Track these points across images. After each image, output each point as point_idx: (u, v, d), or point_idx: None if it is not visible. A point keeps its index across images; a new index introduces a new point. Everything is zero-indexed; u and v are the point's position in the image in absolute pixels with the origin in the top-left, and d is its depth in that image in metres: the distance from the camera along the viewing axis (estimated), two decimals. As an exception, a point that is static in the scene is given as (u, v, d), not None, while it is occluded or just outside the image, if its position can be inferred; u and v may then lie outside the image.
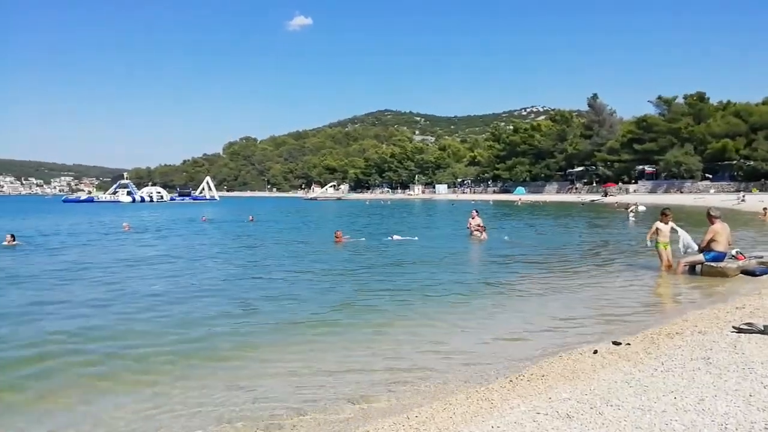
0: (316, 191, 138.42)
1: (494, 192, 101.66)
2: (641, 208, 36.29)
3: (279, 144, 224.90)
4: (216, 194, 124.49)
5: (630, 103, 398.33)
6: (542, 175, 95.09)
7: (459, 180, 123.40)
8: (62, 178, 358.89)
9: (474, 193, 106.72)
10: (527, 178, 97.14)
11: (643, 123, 75.78)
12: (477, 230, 19.70)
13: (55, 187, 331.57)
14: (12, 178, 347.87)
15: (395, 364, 5.75)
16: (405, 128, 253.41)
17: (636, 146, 74.93)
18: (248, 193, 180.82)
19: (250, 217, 36.54)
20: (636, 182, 75.40)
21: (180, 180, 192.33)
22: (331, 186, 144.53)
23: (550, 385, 4.45)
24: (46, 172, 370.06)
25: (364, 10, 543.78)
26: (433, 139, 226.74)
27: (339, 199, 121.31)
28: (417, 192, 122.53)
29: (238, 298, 9.56)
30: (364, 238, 20.72)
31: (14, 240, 19.84)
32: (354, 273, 12.37)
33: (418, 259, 14.64)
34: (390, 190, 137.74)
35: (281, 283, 11.21)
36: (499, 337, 6.71)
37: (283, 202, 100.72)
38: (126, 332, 7.26)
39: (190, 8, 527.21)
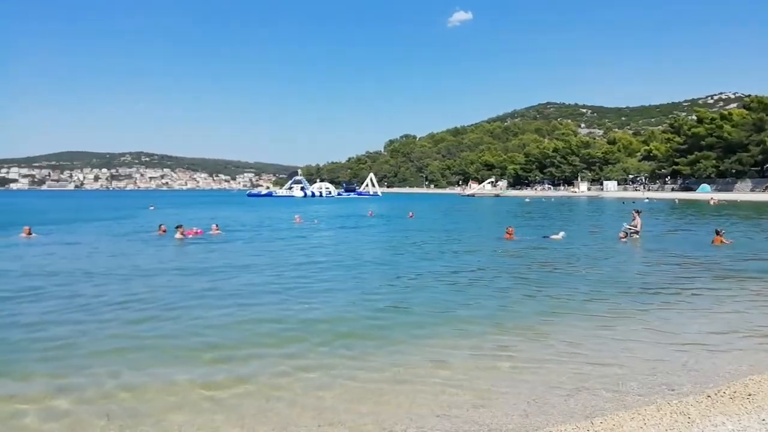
0: (474, 188, 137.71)
1: (672, 189, 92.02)
2: None
3: (437, 141, 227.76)
4: (378, 190, 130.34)
5: None
6: (732, 171, 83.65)
7: (631, 176, 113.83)
8: (245, 174, 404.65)
9: (649, 190, 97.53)
10: (712, 174, 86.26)
11: None
12: (630, 231, 18.83)
13: (239, 182, 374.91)
14: (206, 175, 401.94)
15: (572, 368, 5.70)
16: (569, 121, 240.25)
17: None
18: (407, 189, 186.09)
19: (410, 214, 37.66)
20: None
21: (345, 176, 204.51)
22: (488, 182, 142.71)
23: (760, 405, 4.18)
24: (232, 169, 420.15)
25: (527, 2, 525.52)
26: (601, 132, 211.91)
27: (497, 195, 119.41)
28: (582, 189, 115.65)
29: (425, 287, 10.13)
30: (530, 237, 20.70)
31: (218, 229, 23.08)
32: (520, 272, 12.27)
33: (590, 257, 14.13)
34: (552, 187, 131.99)
35: (465, 278, 11.48)
36: (688, 348, 6.34)
37: (441, 198, 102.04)
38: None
39: (354, 8, 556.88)
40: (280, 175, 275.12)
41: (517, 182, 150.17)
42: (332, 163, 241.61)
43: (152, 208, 54.95)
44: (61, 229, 26.81)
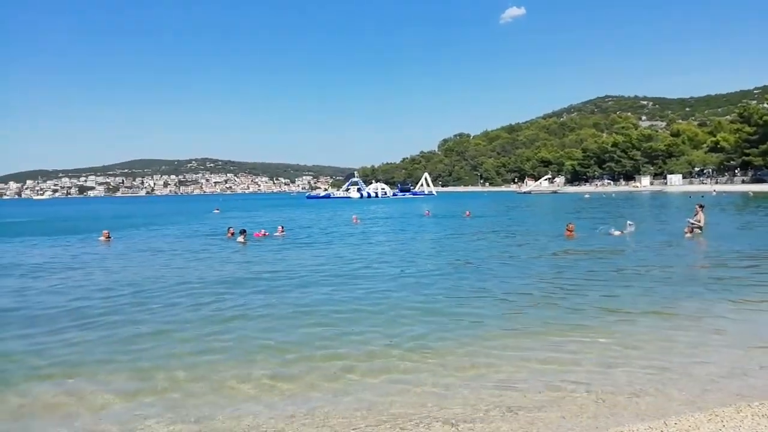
0: (530, 185, 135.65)
1: (743, 182, 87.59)
2: None
3: (492, 138, 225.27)
4: (433, 189, 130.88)
5: None
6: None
7: (696, 169, 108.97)
8: (304, 177, 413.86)
9: (717, 183, 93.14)
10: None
11: None
12: (693, 226, 18.46)
13: (298, 185, 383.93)
14: (266, 178, 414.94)
15: (641, 369, 5.65)
16: (629, 114, 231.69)
17: None
18: (462, 188, 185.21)
19: (467, 213, 37.65)
20: None
21: (400, 177, 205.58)
22: (545, 179, 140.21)
23: None
24: (291, 172, 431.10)
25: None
26: (664, 124, 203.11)
27: (554, 192, 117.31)
28: (644, 183, 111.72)
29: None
30: (600, 231, 20.76)
31: (283, 230, 24.64)
32: (581, 272, 11.96)
33: (655, 254, 13.62)
34: (611, 182, 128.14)
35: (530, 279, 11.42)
36: (765, 349, 6.11)
37: (497, 196, 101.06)
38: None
39: (406, 8, 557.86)
40: (337, 177, 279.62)
41: (574, 178, 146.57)
42: (387, 163, 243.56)
43: (217, 211, 57.83)
44: (136, 233, 28.37)
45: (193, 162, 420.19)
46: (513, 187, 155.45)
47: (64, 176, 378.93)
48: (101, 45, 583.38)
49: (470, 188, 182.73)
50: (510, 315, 8.31)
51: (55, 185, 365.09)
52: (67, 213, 65.20)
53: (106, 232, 23.73)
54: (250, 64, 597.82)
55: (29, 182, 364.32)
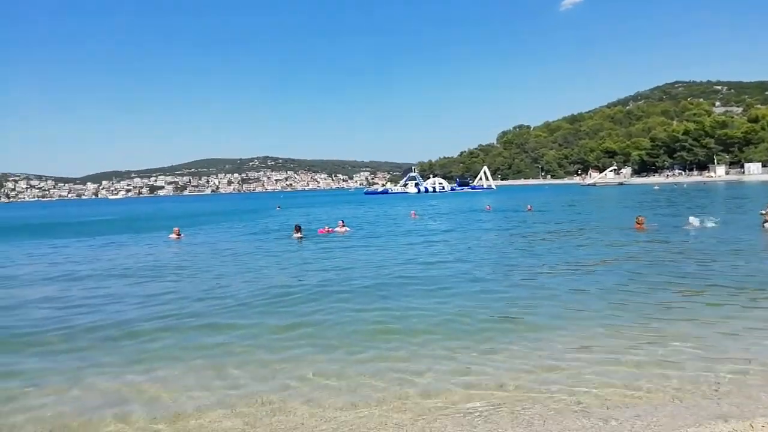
0: (594, 177, 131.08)
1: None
2: None
3: (553, 129, 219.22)
4: (492, 183, 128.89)
5: None
6: None
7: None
8: (361, 173, 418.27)
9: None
10: None
11: None
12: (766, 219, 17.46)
13: (356, 181, 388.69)
14: (325, 175, 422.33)
15: (721, 367, 5.49)
16: (701, 100, 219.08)
17: None
18: (522, 181, 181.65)
19: (528, 207, 36.91)
20: None
21: (457, 171, 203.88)
22: (610, 170, 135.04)
23: None
24: (349, 168, 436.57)
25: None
26: (740, 109, 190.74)
27: (620, 184, 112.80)
28: (719, 173, 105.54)
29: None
30: (656, 224, 20.03)
31: (344, 225, 24.99)
32: (656, 266, 11.53)
33: (731, 247, 12.96)
34: (683, 172, 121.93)
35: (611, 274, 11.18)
36: None
37: (559, 189, 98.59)
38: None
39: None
40: (394, 173, 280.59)
41: (642, 169, 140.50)
42: (444, 158, 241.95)
43: (278, 208, 59.55)
44: (204, 230, 29.59)
45: (255, 160, 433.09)
46: (576, 180, 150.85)
47: (136, 176, 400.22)
48: (168, 51, 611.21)
49: (531, 181, 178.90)
50: (586, 312, 8.14)
51: (128, 185, 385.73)
52: (143, 211, 68.81)
53: (176, 229, 24.80)
54: (307, 65, 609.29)
55: (105, 183, 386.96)
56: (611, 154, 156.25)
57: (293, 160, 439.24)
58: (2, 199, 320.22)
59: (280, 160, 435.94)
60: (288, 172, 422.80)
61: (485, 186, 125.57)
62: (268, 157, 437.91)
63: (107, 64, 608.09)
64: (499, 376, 5.61)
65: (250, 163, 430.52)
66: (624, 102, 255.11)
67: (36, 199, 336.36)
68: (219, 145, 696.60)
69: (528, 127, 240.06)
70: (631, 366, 5.71)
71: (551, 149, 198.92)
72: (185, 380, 5.86)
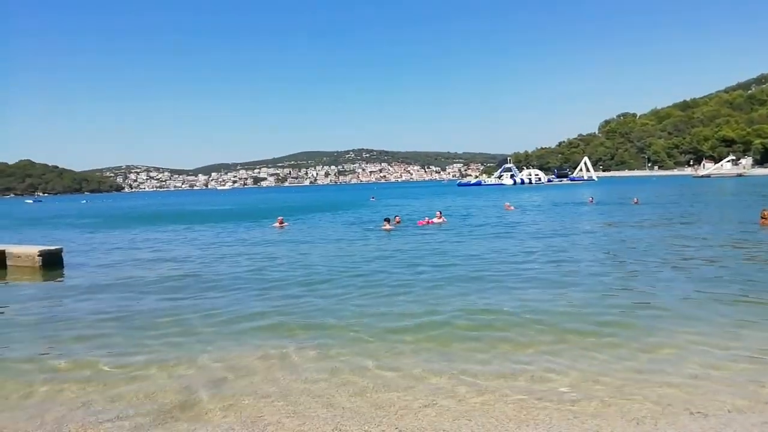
0: (708, 167, 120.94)
1: None
2: None
3: (662, 117, 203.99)
4: (593, 174, 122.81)
5: None
6: None
7: None
8: (454, 164, 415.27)
9: None
10: None
11: None
12: None
13: (449, 173, 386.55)
14: (418, 167, 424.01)
15: None
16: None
17: None
18: (626, 173, 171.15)
19: (635, 200, 35.04)
20: None
21: (555, 162, 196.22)
22: (728, 161, 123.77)
23: None
24: (442, 160, 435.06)
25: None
26: None
27: (739, 175, 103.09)
28: None
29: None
30: None
31: (441, 216, 25.24)
32: None
33: None
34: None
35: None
36: None
37: (668, 181, 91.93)
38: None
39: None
40: (488, 164, 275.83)
41: (765, 159, 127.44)
42: (541, 148, 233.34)
43: (373, 199, 60.96)
44: (305, 219, 31.20)
45: (351, 152, 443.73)
46: (688, 171, 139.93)
47: (241, 168, 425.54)
48: (267, 47, 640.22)
49: (636, 172, 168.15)
50: (704, 312, 7.82)
51: (234, 176, 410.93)
52: (250, 202, 73.17)
53: (280, 218, 26.31)
54: (399, 58, 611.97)
55: (214, 174, 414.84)
56: (729, 142, 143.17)
57: (387, 152, 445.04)
58: (126, 189, 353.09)
59: (375, 152, 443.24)
60: (382, 164, 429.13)
61: (585, 177, 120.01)
62: (363, 149, 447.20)
63: (216, 61, 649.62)
64: (610, 372, 5.56)
65: (346, 155, 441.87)
66: (745, 86, 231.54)
67: (154, 189, 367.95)
68: (317, 138, 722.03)
69: (633, 114, 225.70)
70: (751, 370, 5.45)
71: (659, 138, 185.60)
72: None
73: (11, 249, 14.98)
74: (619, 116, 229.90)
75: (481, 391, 5.22)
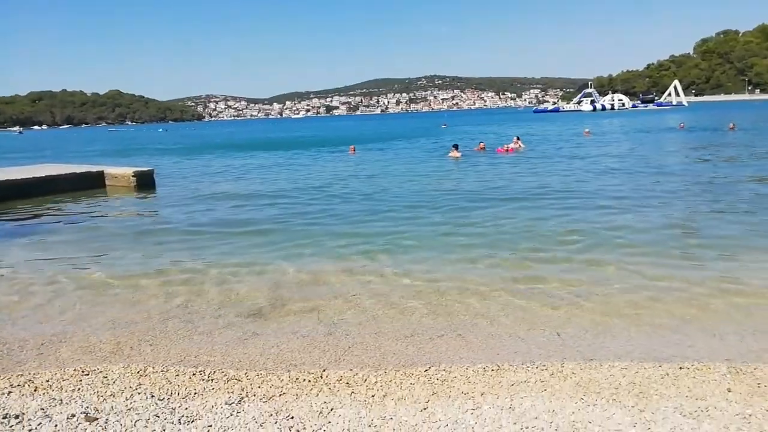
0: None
1: None
2: None
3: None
4: (684, 99, 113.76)
5: None
6: None
7: None
8: (531, 90, 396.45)
9: None
10: None
11: None
12: None
13: (525, 100, 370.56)
14: (492, 93, 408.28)
15: None
16: None
17: None
18: (722, 97, 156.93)
19: (731, 125, 32.82)
20: None
21: (642, 86, 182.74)
22: None
23: None
24: (518, 86, 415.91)
25: None
26: None
27: None
28: None
29: None
30: None
31: (519, 141, 25.21)
32: None
33: None
34: None
35: None
36: None
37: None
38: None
39: None
40: (568, 90, 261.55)
41: None
42: (627, 71, 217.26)
43: (444, 126, 60.54)
44: (377, 146, 32.70)
45: (423, 80, 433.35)
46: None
47: (314, 97, 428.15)
48: None
49: (733, 96, 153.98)
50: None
51: (308, 105, 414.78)
52: (324, 131, 74.44)
53: (352, 147, 28.76)
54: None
55: (288, 103, 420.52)
56: None
57: (460, 78, 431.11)
58: (206, 118, 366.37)
59: (447, 79, 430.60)
60: (455, 91, 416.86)
61: (674, 102, 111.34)
62: (435, 75, 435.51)
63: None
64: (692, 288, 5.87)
65: (418, 83, 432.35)
66: None
67: (232, 118, 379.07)
68: (389, 65, 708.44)
69: (736, 32, 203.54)
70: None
71: (765, 58, 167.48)
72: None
73: (109, 170, 16.41)
74: (718, 34, 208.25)
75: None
